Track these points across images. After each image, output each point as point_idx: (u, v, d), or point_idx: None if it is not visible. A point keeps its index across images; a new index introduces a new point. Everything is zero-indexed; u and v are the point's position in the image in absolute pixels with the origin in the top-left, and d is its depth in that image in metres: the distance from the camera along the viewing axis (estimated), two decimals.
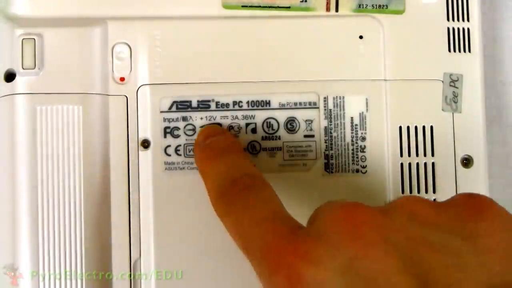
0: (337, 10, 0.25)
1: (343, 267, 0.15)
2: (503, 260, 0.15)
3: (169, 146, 0.24)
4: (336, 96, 0.24)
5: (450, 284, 0.15)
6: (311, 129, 0.24)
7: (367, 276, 0.14)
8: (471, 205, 0.17)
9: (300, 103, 0.24)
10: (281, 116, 0.24)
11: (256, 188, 0.19)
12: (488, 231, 0.16)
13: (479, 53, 0.25)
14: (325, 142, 0.24)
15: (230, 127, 0.24)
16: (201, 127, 0.24)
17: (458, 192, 0.24)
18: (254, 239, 0.17)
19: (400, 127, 0.24)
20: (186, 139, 0.24)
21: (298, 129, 0.24)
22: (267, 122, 0.24)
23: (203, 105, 0.24)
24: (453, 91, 0.25)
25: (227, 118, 0.24)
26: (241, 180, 0.19)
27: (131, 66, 0.24)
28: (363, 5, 0.25)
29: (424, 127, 0.24)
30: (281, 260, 0.16)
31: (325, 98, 0.24)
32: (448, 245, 0.16)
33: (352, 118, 0.24)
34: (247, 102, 0.24)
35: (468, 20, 0.25)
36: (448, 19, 0.25)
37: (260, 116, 0.24)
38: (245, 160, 0.22)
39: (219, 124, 0.24)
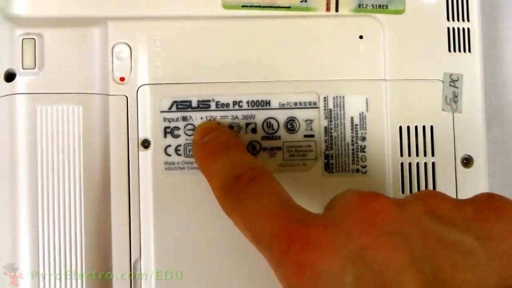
0: (337, 10, 0.25)
1: (353, 256, 0.15)
2: None
3: (169, 146, 0.24)
4: (336, 96, 0.24)
5: (458, 285, 0.14)
6: (311, 129, 0.24)
7: (376, 268, 0.14)
8: (489, 205, 0.16)
9: (300, 103, 0.24)
10: (281, 116, 0.24)
11: (261, 179, 0.19)
12: (504, 234, 0.16)
13: (479, 53, 0.25)
14: (325, 142, 0.24)
15: (230, 127, 0.24)
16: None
17: (458, 192, 0.24)
18: (263, 227, 0.17)
19: (400, 127, 0.24)
20: (186, 139, 0.24)
21: (298, 129, 0.24)
22: (267, 122, 0.24)
23: (203, 105, 0.24)
24: (453, 91, 0.25)
25: (227, 118, 0.24)
26: (245, 174, 0.19)
27: (131, 66, 0.24)
28: (363, 5, 0.25)
29: (424, 127, 0.24)
30: (290, 246, 0.15)
31: (325, 98, 0.24)
32: (462, 244, 0.15)
33: (352, 118, 0.24)
34: (247, 102, 0.24)
35: (468, 20, 0.25)
36: (448, 19, 0.25)
37: (260, 116, 0.24)
38: (245, 154, 0.22)
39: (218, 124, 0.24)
